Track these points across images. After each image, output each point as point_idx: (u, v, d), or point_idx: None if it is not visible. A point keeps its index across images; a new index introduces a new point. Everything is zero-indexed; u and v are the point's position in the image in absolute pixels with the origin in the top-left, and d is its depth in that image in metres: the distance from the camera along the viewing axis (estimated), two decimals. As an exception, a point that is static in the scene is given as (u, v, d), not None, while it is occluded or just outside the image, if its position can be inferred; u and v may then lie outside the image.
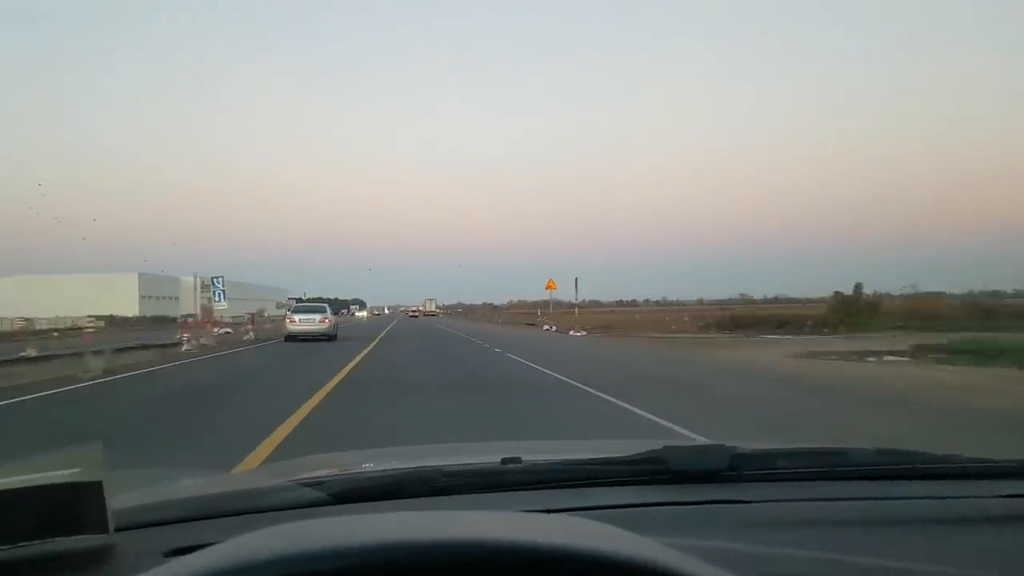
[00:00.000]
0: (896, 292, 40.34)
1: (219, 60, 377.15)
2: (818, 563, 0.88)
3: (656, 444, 1.35)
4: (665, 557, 0.58)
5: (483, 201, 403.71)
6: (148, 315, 69.79)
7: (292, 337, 24.23)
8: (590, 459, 1.38)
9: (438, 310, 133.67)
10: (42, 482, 0.83)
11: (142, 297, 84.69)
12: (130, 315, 67.24)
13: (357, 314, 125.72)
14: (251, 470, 4.21)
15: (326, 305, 27.75)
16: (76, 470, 0.85)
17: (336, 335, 26.44)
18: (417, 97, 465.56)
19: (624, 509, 1.15)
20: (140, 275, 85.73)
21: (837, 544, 0.98)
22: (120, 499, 0.91)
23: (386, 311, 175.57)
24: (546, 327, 37.69)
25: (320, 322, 24.96)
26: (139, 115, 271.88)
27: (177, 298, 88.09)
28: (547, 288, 40.78)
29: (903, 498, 1.25)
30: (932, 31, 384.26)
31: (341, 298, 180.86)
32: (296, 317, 25.25)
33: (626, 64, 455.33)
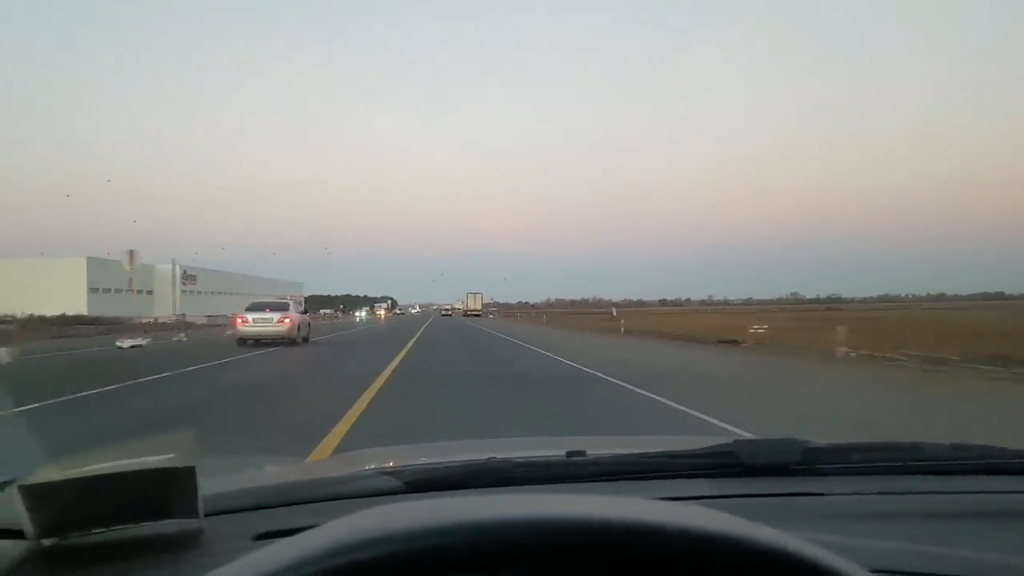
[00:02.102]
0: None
1: (238, 64, 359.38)
2: (898, 553, 0.88)
3: (721, 439, 1.35)
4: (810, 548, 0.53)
5: (520, 199, 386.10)
6: (105, 314, 46.95)
7: (243, 340, 21.40)
8: (659, 452, 1.36)
9: (484, 309, 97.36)
10: (138, 467, 0.85)
11: (92, 290, 61.79)
12: (72, 313, 45.22)
13: (358, 314, 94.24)
14: (326, 459, 4.08)
15: (289, 302, 24.19)
16: (171, 456, 0.88)
17: (307, 338, 23.69)
18: (436, 92, 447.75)
19: (698, 500, 1.11)
20: (89, 260, 63.14)
21: (914, 535, 0.99)
22: (206, 485, 0.90)
23: (414, 310, 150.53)
24: None
25: (278, 322, 21.65)
26: (153, 113, 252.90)
27: (151, 292, 66.33)
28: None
29: (978, 492, 1.25)
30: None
31: (370, 295, 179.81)
32: (249, 316, 21.88)
33: (646, 59, 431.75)
